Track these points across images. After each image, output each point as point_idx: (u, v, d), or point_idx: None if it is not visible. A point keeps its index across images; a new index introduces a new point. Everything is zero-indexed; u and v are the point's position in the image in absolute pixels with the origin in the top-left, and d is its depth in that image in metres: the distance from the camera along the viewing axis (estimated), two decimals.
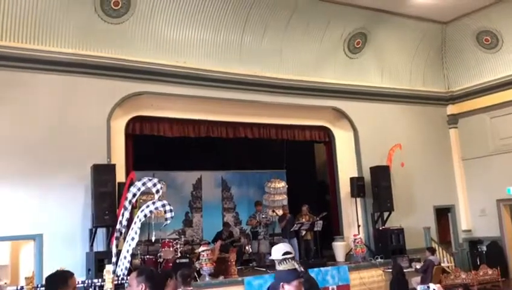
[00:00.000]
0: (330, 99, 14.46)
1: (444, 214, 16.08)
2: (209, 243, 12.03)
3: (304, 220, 13.63)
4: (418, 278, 12.04)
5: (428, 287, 5.91)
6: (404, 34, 15.19)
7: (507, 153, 14.95)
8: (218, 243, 11.69)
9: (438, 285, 5.96)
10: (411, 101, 15.86)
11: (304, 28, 13.63)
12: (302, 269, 3.51)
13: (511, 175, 14.77)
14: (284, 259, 3.70)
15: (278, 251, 4.12)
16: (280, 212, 14.60)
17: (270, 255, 12.72)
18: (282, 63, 13.70)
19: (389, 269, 12.36)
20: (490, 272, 12.95)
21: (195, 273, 10.44)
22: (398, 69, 15.71)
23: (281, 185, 15.95)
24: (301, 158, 16.62)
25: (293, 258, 4.12)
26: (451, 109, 16.60)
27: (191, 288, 6.71)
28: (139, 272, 3.88)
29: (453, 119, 16.55)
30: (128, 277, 3.87)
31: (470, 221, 16.02)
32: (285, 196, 15.86)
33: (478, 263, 14.65)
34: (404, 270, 11.70)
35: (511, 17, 14.38)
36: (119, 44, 11.49)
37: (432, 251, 12.53)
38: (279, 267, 3.64)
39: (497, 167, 15.13)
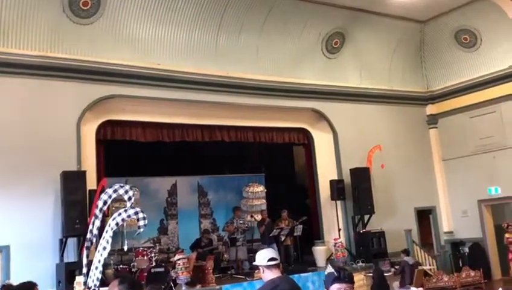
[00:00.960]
0: (309, 101, 14.46)
1: (425, 216, 16.16)
2: (183, 251, 11.87)
3: (283, 225, 13.59)
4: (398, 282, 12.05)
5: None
6: (383, 34, 15.27)
7: (487, 152, 15.10)
8: (194, 254, 11.54)
9: (421, 288, 5.90)
10: (390, 101, 15.94)
11: (281, 28, 13.60)
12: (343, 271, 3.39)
13: (491, 175, 14.95)
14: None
15: (263, 257, 4.07)
16: (259, 217, 14.51)
17: (249, 262, 12.58)
18: (259, 64, 13.65)
19: (370, 273, 12.33)
20: (473, 274, 13.00)
21: (172, 283, 10.29)
22: (377, 69, 15.77)
23: (260, 189, 15.87)
24: (280, 161, 16.66)
25: (278, 265, 4.05)
26: (431, 109, 16.73)
27: None
28: (121, 280, 3.76)
29: (433, 119, 16.67)
30: (109, 285, 3.78)
31: (452, 222, 16.13)
32: (264, 201, 15.79)
33: (460, 265, 14.73)
34: (385, 274, 11.69)
35: (490, 16, 14.54)
36: (88, 45, 11.32)
37: (406, 252, 12.55)
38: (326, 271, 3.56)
39: (478, 167, 15.27)
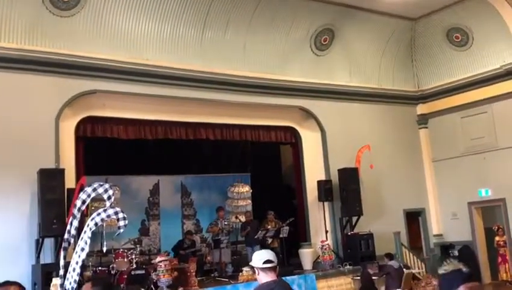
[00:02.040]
0: (297, 99, 14.44)
1: (414, 218, 16.21)
2: (168, 254, 11.78)
3: (269, 226, 13.55)
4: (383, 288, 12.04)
5: None
6: (373, 31, 15.29)
7: (478, 153, 15.16)
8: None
9: None
10: (380, 100, 15.98)
11: (269, 24, 13.57)
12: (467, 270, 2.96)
13: (481, 177, 15.02)
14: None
15: (259, 258, 3.98)
16: (244, 218, 14.43)
17: (233, 264, 12.53)
18: (246, 60, 13.60)
19: (358, 276, 12.34)
20: None
21: (153, 286, 10.20)
22: (367, 67, 15.81)
23: (245, 189, 15.83)
24: (266, 161, 16.59)
25: (275, 268, 3.97)
26: (421, 109, 16.79)
27: None
28: (95, 283, 3.76)
29: (423, 119, 16.74)
30: (82, 288, 3.79)
31: (441, 225, 16.20)
32: (250, 201, 15.76)
33: None
34: (373, 278, 11.69)
35: (481, 14, 14.60)
36: (69, 39, 11.18)
37: (390, 256, 12.53)
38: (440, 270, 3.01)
39: (468, 168, 15.35)
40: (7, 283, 4.09)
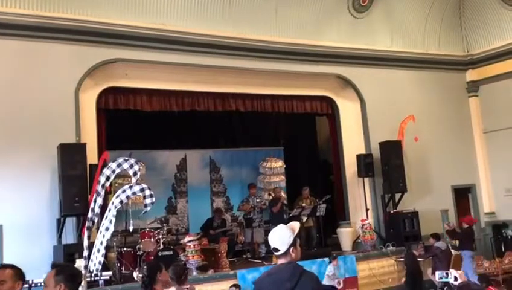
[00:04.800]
0: (333, 66, 14.30)
1: (463, 195, 16.05)
2: (198, 234, 11.84)
3: (304, 204, 13.51)
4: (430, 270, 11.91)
5: (447, 273, 5.66)
6: None
7: None
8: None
9: (460, 271, 5.73)
10: (425, 66, 15.78)
11: None
12: None
13: None
14: None
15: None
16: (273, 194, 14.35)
17: (266, 245, 12.44)
18: (278, 25, 13.50)
19: (401, 258, 12.24)
20: None
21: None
22: (410, 30, 15.59)
23: (278, 164, 15.73)
24: (301, 134, 16.58)
25: (281, 255, 3.98)
26: (471, 75, 16.56)
27: (187, 287, 6.54)
28: (58, 271, 3.79)
29: (473, 87, 16.49)
30: (45, 276, 3.88)
31: (493, 202, 16.00)
32: (283, 177, 15.69)
33: (503, 249, 14.64)
34: (419, 260, 11.54)
35: None
36: (87, 4, 11.17)
37: (437, 236, 12.37)
38: None
39: None
40: (2, 267, 4.20)
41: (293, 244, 3.91)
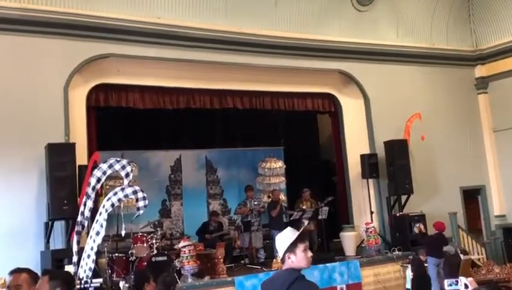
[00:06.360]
0: (336, 61, 14.32)
1: (473, 197, 16.09)
2: (188, 238, 11.81)
3: (304, 207, 13.50)
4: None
5: (457, 281, 5.61)
6: None
7: None
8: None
9: (470, 278, 5.69)
10: (432, 62, 15.80)
11: None
12: None
13: None
14: None
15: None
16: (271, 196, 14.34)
17: (265, 250, 12.38)
18: (278, 18, 13.54)
19: (408, 263, 12.20)
20: None
21: (176, 274, 10.22)
22: (417, 24, 15.62)
23: (278, 165, 15.75)
24: (302, 133, 16.59)
25: (282, 260, 4.05)
26: (480, 71, 16.60)
27: None
28: (53, 276, 3.80)
29: (482, 83, 16.52)
30: (38, 282, 3.91)
31: (504, 204, 16.00)
32: (283, 178, 15.71)
33: None
34: (426, 265, 11.51)
35: None
36: None
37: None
38: None
39: None
40: (18, 270, 4.30)
41: (290, 250, 3.91)
